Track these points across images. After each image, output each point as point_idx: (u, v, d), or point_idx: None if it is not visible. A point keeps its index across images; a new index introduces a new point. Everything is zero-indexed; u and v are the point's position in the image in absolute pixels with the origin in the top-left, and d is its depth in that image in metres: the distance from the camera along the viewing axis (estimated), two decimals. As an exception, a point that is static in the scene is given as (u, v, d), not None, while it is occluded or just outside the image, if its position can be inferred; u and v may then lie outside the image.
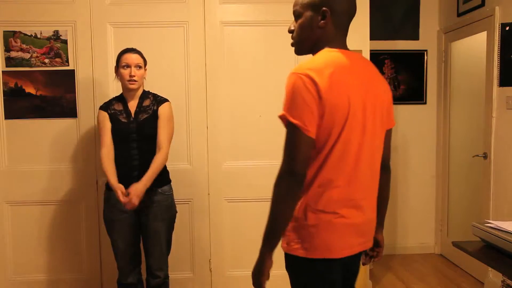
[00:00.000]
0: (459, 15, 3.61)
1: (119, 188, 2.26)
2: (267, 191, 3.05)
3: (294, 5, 1.49)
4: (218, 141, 2.95)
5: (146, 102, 2.41)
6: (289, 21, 2.93)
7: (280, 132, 2.98)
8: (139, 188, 2.25)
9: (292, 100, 1.41)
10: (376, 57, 3.82)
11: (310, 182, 1.43)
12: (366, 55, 2.98)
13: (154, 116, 2.39)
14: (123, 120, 2.38)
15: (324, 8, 1.41)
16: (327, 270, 1.45)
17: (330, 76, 1.37)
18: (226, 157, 2.96)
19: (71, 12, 2.84)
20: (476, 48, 3.62)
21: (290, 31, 1.52)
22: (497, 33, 3.04)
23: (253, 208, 2.99)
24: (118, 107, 2.41)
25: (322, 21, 1.43)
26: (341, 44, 1.49)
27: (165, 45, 2.88)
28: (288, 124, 1.42)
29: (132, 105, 2.41)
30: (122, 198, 2.24)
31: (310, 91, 1.37)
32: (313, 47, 1.50)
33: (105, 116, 2.41)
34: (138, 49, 2.44)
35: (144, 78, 2.45)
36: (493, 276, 3.12)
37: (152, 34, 2.87)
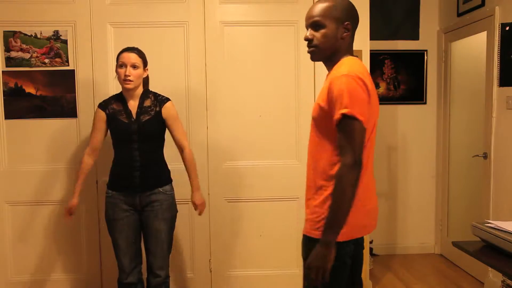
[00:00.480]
0: (459, 15, 3.61)
1: (73, 202, 2.45)
2: (267, 191, 3.08)
3: (313, 16, 1.69)
4: (218, 141, 2.95)
5: (147, 102, 2.40)
6: (289, 21, 2.97)
7: (280, 133, 3.01)
8: (199, 196, 2.51)
9: (353, 99, 1.53)
10: (376, 57, 3.82)
11: None
12: (366, 55, 2.98)
13: (157, 118, 2.38)
14: (124, 120, 2.36)
15: (347, 23, 1.64)
16: (350, 251, 1.64)
17: (369, 79, 1.61)
18: (226, 157, 2.96)
19: (71, 12, 2.85)
20: (476, 48, 3.62)
21: (308, 39, 1.67)
22: (497, 33, 3.04)
23: (253, 208, 2.99)
24: (118, 106, 2.39)
25: (345, 34, 1.65)
26: (352, 51, 1.72)
27: (165, 45, 2.88)
28: (353, 120, 1.54)
29: (133, 105, 2.39)
30: (66, 212, 2.45)
31: (364, 91, 1.55)
32: (331, 55, 1.67)
33: (102, 116, 2.40)
34: (138, 48, 2.42)
35: (146, 77, 2.42)
36: (493, 276, 3.12)
37: (152, 34, 2.87)
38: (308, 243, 1.66)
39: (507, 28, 2.96)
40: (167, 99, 2.44)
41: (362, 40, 2.95)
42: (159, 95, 2.45)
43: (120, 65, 2.32)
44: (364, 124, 1.55)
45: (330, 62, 1.68)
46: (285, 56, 2.93)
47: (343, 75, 1.56)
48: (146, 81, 2.47)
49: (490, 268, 3.13)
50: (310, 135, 1.75)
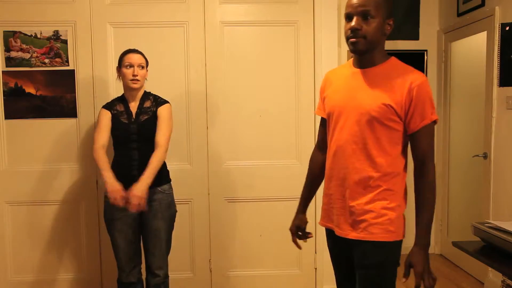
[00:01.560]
0: (459, 15, 3.61)
1: (118, 190, 2.23)
2: (267, 191, 3.08)
3: (364, 5, 1.56)
4: (218, 141, 2.95)
5: (147, 104, 2.43)
6: (289, 21, 2.97)
7: (280, 132, 3.00)
8: (140, 188, 2.22)
9: (433, 103, 1.57)
10: (376, 57, 3.81)
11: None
12: (366, 55, 2.98)
13: (154, 117, 2.40)
14: (124, 121, 2.39)
15: (391, 19, 1.62)
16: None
17: None
18: (226, 157, 2.96)
19: (71, 12, 2.85)
20: (476, 48, 3.62)
21: (356, 29, 1.56)
22: (497, 33, 3.04)
23: (253, 208, 2.99)
24: (120, 108, 2.43)
25: (388, 30, 1.61)
26: None
27: (165, 45, 2.88)
28: (434, 126, 1.59)
29: (133, 106, 2.42)
30: (120, 202, 2.21)
31: None
32: (372, 50, 1.61)
33: (107, 115, 2.42)
34: (138, 49, 2.44)
35: (146, 79, 2.46)
36: (493, 276, 3.12)
37: (152, 34, 2.87)
38: (381, 248, 1.61)
39: (507, 28, 2.96)
40: (166, 102, 2.46)
41: (362, 40, 2.95)
42: (159, 97, 2.47)
43: (127, 65, 2.36)
44: None
45: (368, 58, 1.62)
46: (285, 56, 2.93)
47: (426, 79, 1.57)
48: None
49: (490, 268, 3.13)
50: (355, 133, 1.62)
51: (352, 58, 1.70)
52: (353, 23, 1.56)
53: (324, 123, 1.80)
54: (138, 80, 2.36)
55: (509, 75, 2.96)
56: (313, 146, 2.99)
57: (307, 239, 1.92)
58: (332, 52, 2.91)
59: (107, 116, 2.42)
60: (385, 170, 1.59)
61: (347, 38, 1.59)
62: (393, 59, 1.64)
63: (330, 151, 1.70)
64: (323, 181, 1.80)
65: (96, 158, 2.35)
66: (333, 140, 1.68)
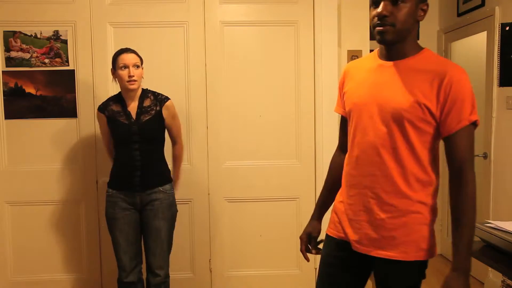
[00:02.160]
0: (459, 15, 3.61)
1: None
2: (267, 191, 3.07)
3: None
4: (218, 141, 2.95)
5: (147, 102, 2.40)
6: (289, 21, 2.97)
7: (280, 132, 3.00)
8: (178, 179, 2.60)
9: (475, 104, 1.39)
10: (376, 57, 3.81)
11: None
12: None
13: (158, 117, 2.39)
14: (124, 121, 2.36)
15: (425, 3, 1.41)
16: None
17: None
18: (226, 157, 2.96)
19: (71, 12, 2.84)
20: (476, 48, 3.62)
21: (384, 16, 1.35)
22: (497, 33, 3.04)
23: (253, 208, 2.99)
24: (116, 107, 2.40)
25: (421, 15, 1.40)
26: None
27: (165, 45, 2.88)
28: (474, 129, 1.41)
29: (133, 106, 2.39)
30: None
31: None
32: (402, 40, 1.39)
33: (102, 118, 2.43)
34: (137, 49, 2.43)
35: (142, 77, 2.43)
36: (493, 276, 3.12)
37: (152, 34, 2.87)
38: (412, 268, 1.44)
39: (507, 28, 2.96)
40: (167, 98, 2.44)
41: (362, 40, 2.95)
42: (158, 94, 2.45)
43: (121, 67, 2.32)
44: None
45: (398, 49, 1.41)
46: (285, 56, 2.93)
47: (466, 74, 1.36)
48: None
49: (490, 268, 3.13)
50: (383, 136, 1.42)
51: (378, 49, 1.50)
52: (380, 8, 1.35)
53: (344, 121, 1.62)
54: (135, 81, 2.32)
55: (509, 75, 2.96)
56: (313, 146, 3.03)
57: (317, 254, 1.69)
58: (332, 52, 2.91)
59: (102, 120, 2.44)
60: (417, 179, 1.41)
61: (374, 26, 1.38)
62: (427, 50, 1.43)
63: (351, 155, 1.50)
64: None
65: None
66: (355, 143, 1.48)
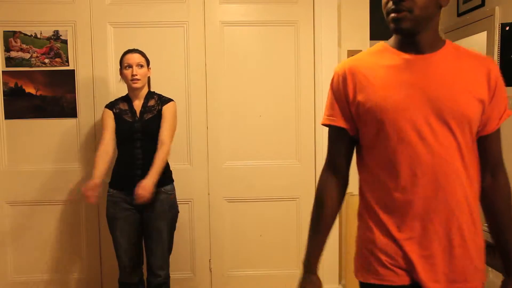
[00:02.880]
0: (459, 15, 3.60)
1: (94, 181, 2.27)
2: (267, 191, 3.07)
3: None
4: (218, 141, 2.95)
5: (151, 102, 2.45)
6: (289, 21, 2.97)
7: (280, 133, 3.00)
8: (147, 183, 2.23)
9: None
10: (376, 57, 3.81)
11: None
12: (366, 55, 2.98)
13: (159, 116, 2.42)
14: (128, 119, 2.41)
15: None
16: None
17: None
18: (226, 157, 2.96)
19: (71, 12, 2.84)
20: (476, 48, 3.62)
21: (400, 0, 1.13)
22: (497, 33, 3.04)
23: (253, 208, 2.99)
24: (124, 106, 2.45)
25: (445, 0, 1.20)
26: None
27: (165, 45, 2.88)
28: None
29: (137, 105, 2.44)
30: (84, 188, 2.26)
31: None
32: (422, 29, 1.18)
33: (109, 114, 2.45)
34: (138, 49, 2.45)
35: (148, 77, 2.48)
36: (493, 276, 3.12)
37: (152, 34, 2.87)
38: None
39: (507, 28, 2.96)
40: (171, 100, 2.48)
41: (362, 40, 2.95)
42: (164, 96, 2.50)
43: (126, 66, 2.38)
44: None
45: (424, 40, 1.19)
46: (285, 56, 2.93)
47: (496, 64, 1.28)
48: (148, 82, 2.52)
49: (490, 268, 3.13)
50: (450, 145, 1.17)
51: (384, 42, 1.28)
52: None
53: (342, 136, 1.30)
54: (138, 80, 2.37)
55: (509, 75, 2.95)
56: (313, 146, 3.03)
57: None
58: (332, 52, 2.91)
59: (109, 115, 2.44)
60: (478, 190, 1.24)
61: (387, 13, 1.18)
62: (449, 41, 1.25)
63: (404, 176, 1.17)
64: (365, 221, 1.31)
65: (95, 158, 2.39)
66: (402, 160, 1.17)
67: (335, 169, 1.34)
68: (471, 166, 1.19)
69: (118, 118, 2.43)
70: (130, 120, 2.41)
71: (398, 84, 1.18)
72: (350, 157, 1.33)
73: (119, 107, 2.45)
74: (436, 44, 1.22)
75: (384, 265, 1.23)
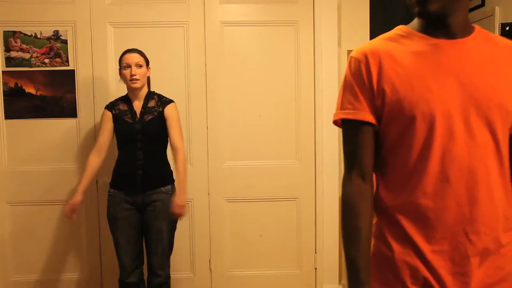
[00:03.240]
0: (459, 15, 3.61)
1: (76, 198, 2.39)
2: (267, 191, 3.08)
3: None
4: (218, 141, 2.95)
5: (151, 103, 2.44)
6: (289, 21, 2.97)
7: (280, 133, 3.00)
8: (181, 197, 2.33)
9: None
10: (376, 57, 3.81)
11: None
12: (366, 55, 2.98)
13: (160, 118, 2.41)
14: (128, 120, 2.40)
15: None
16: None
17: None
18: (226, 157, 2.96)
19: (71, 12, 2.84)
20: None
21: None
22: (497, 33, 3.04)
23: (253, 208, 2.99)
24: (123, 107, 2.44)
25: None
26: None
27: (165, 45, 2.88)
28: None
29: (137, 106, 2.43)
30: (67, 207, 2.38)
31: None
32: (451, 12, 1.03)
33: (108, 116, 2.44)
34: (137, 48, 2.45)
35: (148, 77, 2.48)
36: None
37: (152, 34, 2.87)
38: None
39: (507, 28, 2.96)
40: (171, 101, 2.48)
41: (362, 40, 2.95)
42: (164, 96, 2.49)
43: (124, 66, 2.37)
44: None
45: (457, 21, 1.05)
46: (285, 56, 2.93)
47: None
48: (148, 82, 2.51)
49: None
50: (487, 144, 1.03)
51: (417, 26, 1.11)
52: None
53: (367, 134, 1.09)
54: (137, 80, 2.36)
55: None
56: (313, 146, 3.03)
57: None
58: (332, 52, 2.91)
59: (107, 117, 2.44)
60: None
61: None
62: (478, 26, 1.11)
63: (434, 179, 1.02)
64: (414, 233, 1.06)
65: (86, 164, 2.47)
66: (435, 161, 1.01)
67: (364, 175, 1.09)
68: (507, 167, 1.05)
69: (118, 120, 2.42)
70: (131, 121, 2.40)
71: (429, 72, 1.03)
72: (374, 159, 1.12)
73: (119, 108, 2.44)
74: (468, 27, 1.07)
75: (404, 284, 1.05)
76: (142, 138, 2.38)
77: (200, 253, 3.00)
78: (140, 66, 2.38)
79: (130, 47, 2.45)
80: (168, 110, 2.43)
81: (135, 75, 2.36)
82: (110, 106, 2.47)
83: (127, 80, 2.38)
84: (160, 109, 2.42)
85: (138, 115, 2.41)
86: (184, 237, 2.96)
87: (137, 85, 2.38)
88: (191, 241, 2.99)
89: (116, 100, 2.51)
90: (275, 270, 3.04)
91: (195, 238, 2.99)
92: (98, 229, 2.93)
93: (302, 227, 3.00)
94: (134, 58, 2.38)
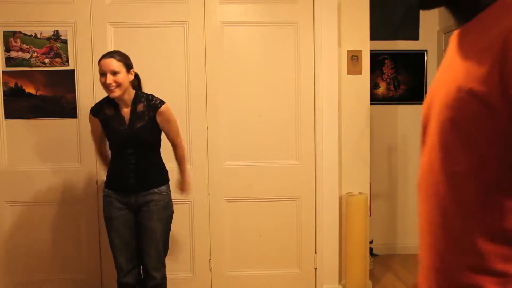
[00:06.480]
0: (459, 15, 3.61)
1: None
2: (267, 191, 3.07)
3: None
4: (218, 141, 2.95)
5: (140, 107, 2.32)
6: (289, 21, 2.97)
7: (280, 133, 3.00)
8: (186, 184, 2.51)
9: None
10: (376, 57, 3.82)
11: None
12: (366, 55, 2.98)
13: (151, 123, 2.33)
14: (117, 127, 2.31)
15: None
16: None
17: None
18: (226, 157, 2.96)
19: (71, 12, 2.84)
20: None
21: None
22: (497, 33, 3.03)
23: (253, 208, 2.99)
24: (110, 111, 2.33)
25: None
26: None
27: (165, 45, 2.88)
28: None
29: (126, 111, 2.32)
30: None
31: None
32: None
33: (95, 122, 2.38)
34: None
35: (138, 77, 2.38)
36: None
37: (152, 34, 2.87)
38: None
39: (507, 28, 2.95)
40: (161, 103, 2.33)
41: (362, 40, 2.96)
42: (152, 98, 2.34)
43: (100, 73, 2.23)
44: None
45: (469, 4, 0.82)
46: (285, 56, 2.93)
47: None
48: (138, 83, 2.40)
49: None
50: (427, 155, 0.81)
51: None
52: None
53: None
54: (113, 88, 2.20)
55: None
56: (313, 146, 3.03)
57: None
58: (332, 52, 2.91)
59: (95, 123, 2.38)
60: (494, 230, 0.77)
61: None
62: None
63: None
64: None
65: (98, 157, 2.59)
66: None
67: None
68: (462, 189, 0.75)
69: (106, 126, 2.34)
70: (121, 128, 2.30)
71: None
72: None
73: (105, 113, 2.32)
74: (483, 4, 0.80)
75: None
76: (134, 144, 2.31)
77: (200, 253, 3.00)
78: (116, 73, 2.19)
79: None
80: (161, 116, 2.32)
81: (111, 84, 2.19)
82: (96, 112, 2.36)
83: (104, 88, 2.24)
84: (151, 114, 2.31)
85: (127, 121, 2.30)
86: (184, 237, 2.96)
87: (115, 94, 2.22)
88: (191, 241, 2.99)
89: (100, 103, 2.38)
90: (275, 270, 3.04)
91: (195, 238, 2.99)
92: (98, 229, 2.93)
93: (302, 227, 3.00)
94: (110, 65, 2.19)
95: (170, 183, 2.47)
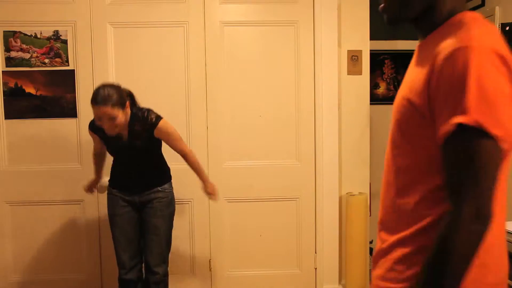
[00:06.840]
0: (459, 15, 3.61)
1: (95, 181, 2.61)
2: (267, 191, 3.08)
3: None
4: (218, 141, 2.95)
5: (137, 127, 2.31)
6: (289, 21, 2.98)
7: (280, 132, 3.00)
8: (208, 186, 2.50)
9: (485, 95, 0.81)
10: (376, 57, 3.81)
11: None
12: (366, 55, 2.98)
13: (150, 139, 2.33)
14: (116, 141, 2.35)
15: None
16: None
17: None
18: (226, 157, 2.96)
19: (71, 12, 2.84)
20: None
21: None
22: (497, 33, 3.04)
23: (253, 208, 2.99)
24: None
25: None
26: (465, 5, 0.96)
27: (165, 45, 2.88)
28: (480, 139, 0.83)
29: (124, 131, 2.33)
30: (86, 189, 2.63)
31: (506, 78, 0.83)
32: (427, 9, 0.94)
33: (94, 136, 2.45)
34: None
35: (132, 95, 2.38)
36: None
37: (152, 34, 2.87)
38: None
39: (507, 28, 2.95)
40: (157, 119, 2.30)
41: (362, 40, 2.95)
42: (148, 116, 2.30)
43: (96, 117, 2.21)
44: (503, 142, 0.83)
45: (426, 22, 0.96)
46: (285, 56, 2.93)
47: (468, 46, 0.82)
48: (133, 100, 2.38)
49: (490, 268, 3.12)
50: (388, 146, 1.02)
51: None
52: None
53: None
54: (113, 129, 2.22)
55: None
56: (313, 146, 3.03)
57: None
58: (332, 52, 2.91)
59: (95, 137, 2.46)
60: (414, 208, 1.01)
61: None
62: (460, 16, 0.94)
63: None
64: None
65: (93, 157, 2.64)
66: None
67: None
68: (404, 173, 0.99)
69: (105, 141, 2.39)
70: (118, 143, 2.34)
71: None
72: None
73: (103, 131, 2.29)
74: (438, 22, 0.99)
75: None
76: (134, 153, 2.35)
77: (200, 253, 3.00)
78: (113, 118, 2.17)
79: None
80: (159, 132, 2.32)
81: (109, 129, 2.20)
82: (93, 128, 2.38)
83: (104, 128, 2.23)
84: (149, 133, 2.31)
85: (126, 139, 2.32)
86: (184, 237, 2.96)
87: (115, 132, 2.24)
88: (191, 241, 2.99)
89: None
90: (275, 270, 3.04)
91: (195, 238, 2.99)
92: (98, 229, 2.93)
93: (302, 227, 3.00)
94: (105, 114, 2.15)
95: (173, 183, 2.52)
